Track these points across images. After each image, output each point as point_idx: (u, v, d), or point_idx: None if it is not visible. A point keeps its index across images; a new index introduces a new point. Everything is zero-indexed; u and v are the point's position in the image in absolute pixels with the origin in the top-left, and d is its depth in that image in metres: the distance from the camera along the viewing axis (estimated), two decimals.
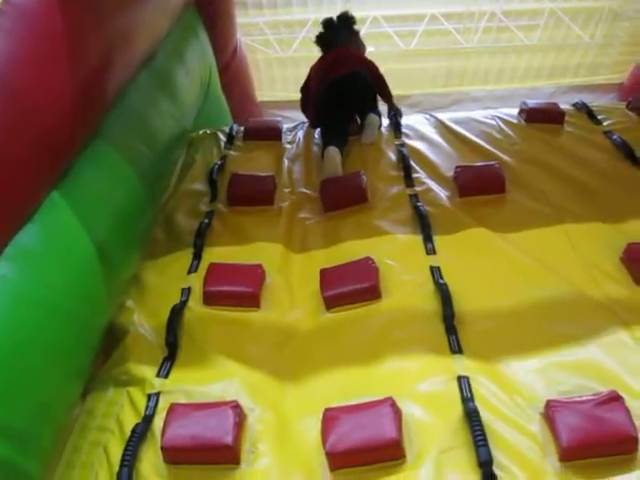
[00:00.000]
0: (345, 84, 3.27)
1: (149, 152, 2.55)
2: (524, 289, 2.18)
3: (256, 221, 2.65)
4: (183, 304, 2.21)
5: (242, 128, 3.42)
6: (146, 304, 2.28)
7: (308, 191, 2.87)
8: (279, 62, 7.05)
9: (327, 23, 3.66)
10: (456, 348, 1.96)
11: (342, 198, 2.72)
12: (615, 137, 3.01)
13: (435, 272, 2.26)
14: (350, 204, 2.70)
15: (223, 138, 3.36)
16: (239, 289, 2.21)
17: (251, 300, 2.19)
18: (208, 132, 3.49)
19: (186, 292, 2.27)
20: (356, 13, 7.18)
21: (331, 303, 2.17)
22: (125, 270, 2.26)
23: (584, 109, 3.37)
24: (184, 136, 3.28)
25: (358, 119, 3.31)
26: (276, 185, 2.85)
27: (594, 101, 3.70)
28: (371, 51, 7.25)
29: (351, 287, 2.17)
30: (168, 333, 2.09)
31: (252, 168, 3.01)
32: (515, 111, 3.40)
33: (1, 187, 1.59)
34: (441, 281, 2.19)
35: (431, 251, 2.38)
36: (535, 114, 3.27)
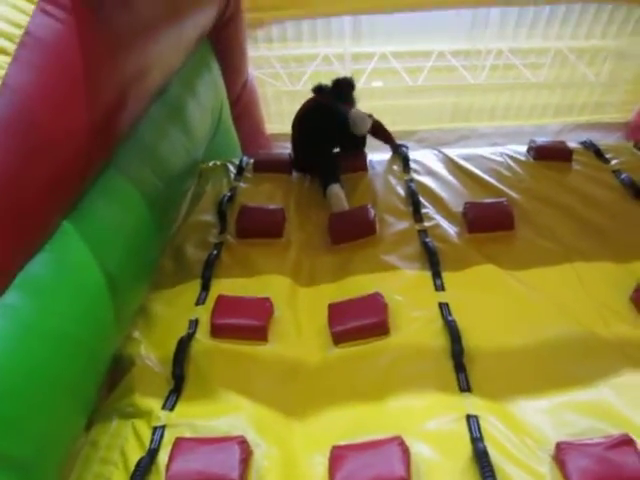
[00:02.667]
0: (308, 118, 3.36)
1: (160, 183, 2.57)
2: (533, 328, 2.17)
3: (265, 253, 2.65)
4: (190, 336, 2.20)
5: (252, 160, 3.44)
6: (153, 335, 2.27)
7: (316, 224, 2.88)
8: (288, 95, 7.11)
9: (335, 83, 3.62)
10: (465, 386, 1.95)
11: (350, 231, 2.74)
12: (623, 176, 3.03)
13: (444, 309, 2.25)
14: (358, 237, 2.71)
15: (233, 170, 3.39)
16: (247, 322, 2.20)
17: (259, 333, 2.18)
18: (218, 164, 3.52)
19: (194, 324, 2.27)
20: (364, 49, 7.29)
21: (339, 338, 2.16)
22: (133, 300, 2.26)
23: (592, 148, 3.39)
24: (195, 167, 3.30)
25: (366, 155, 3.35)
26: (285, 218, 2.86)
27: (601, 139, 3.73)
28: (379, 86, 7.35)
29: (360, 322, 2.17)
30: (175, 365, 2.08)
31: (261, 200, 3.03)
32: (523, 148, 3.42)
33: (13, 217, 1.59)
34: (450, 318, 2.18)
35: (440, 287, 2.38)
36: (543, 152, 3.29)
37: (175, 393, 2.02)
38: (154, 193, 2.49)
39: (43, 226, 1.79)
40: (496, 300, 2.30)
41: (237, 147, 4.26)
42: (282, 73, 7.20)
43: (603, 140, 3.90)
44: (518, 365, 2.04)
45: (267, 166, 3.35)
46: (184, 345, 2.15)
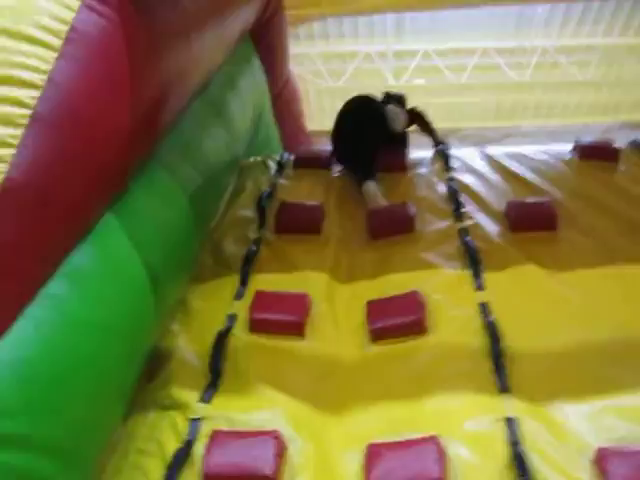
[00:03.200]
0: (350, 112, 3.38)
1: (201, 178, 2.59)
2: (575, 330, 2.13)
3: (303, 250, 2.65)
4: (228, 330, 2.21)
5: (292, 157, 3.45)
6: (191, 329, 2.29)
7: (355, 221, 2.87)
8: (329, 92, 7.10)
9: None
10: (504, 387, 1.91)
11: (389, 227, 2.72)
12: None
13: (484, 308, 2.22)
14: (397, 233, 2.69)
15: (273, 166, 3.40)
16: (285, 318, 2.21)
17: (296, 329, 2.19)
18: (259, 159, 3.53)
19: (232, 318, 2.28)
20: (408, 46, 7.24)
21: (377, 336, 2.15)
22: (173, 293, 2.28)
23: None
24: (236, 163, 3.33)
25: (407, 153, 3.33)
26: (324, 214, 2.86)
27: None
28: (421, 84, 7.29)
29: (398, 320, 2.15)
30: (212, 359, 2.09)
31: (301, 196, 3.03)
32: (568, 147, 3.35)
33: (59, 208, 1.62)
34: (490, 318, 2.15)
35: (480, 287, 2.35)
36: (589, 151, 3.22)
37: (212, 387, 2.03)
38: (195, 188, 2.51)
39: (87, 218, 1.82)
40: (537, 301, 2.26)
41: (278, 143, 4.28)
42: (323, 70, 7.20)
43: None
44: (559, 368, 2.00)
45: (307, 162, 3.35)
46: (222, 340, 2.17)
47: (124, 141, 1.94)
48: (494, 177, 3.10)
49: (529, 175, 3.08)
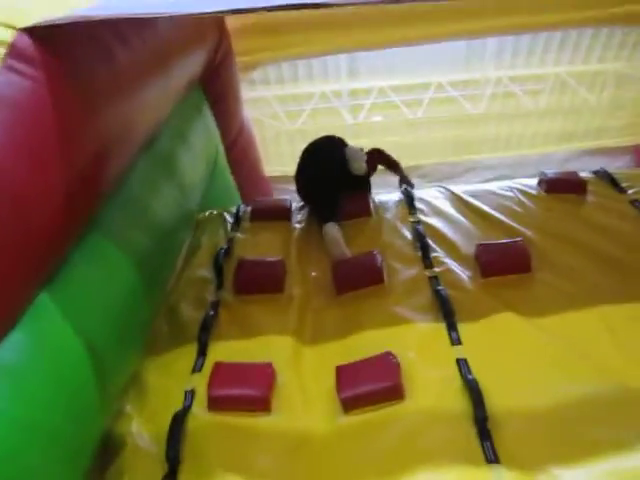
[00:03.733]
0: (313, 152, 3.32)
1: (150, 242, 2.40)
2: (561, 384, 1.96)
3: (265, 311, 2.47)
4: (186, 410, 2.00)
5: (249, 208, 3.28)
6: (146, 409, 2.08)
7: (319, 275, 2.70)
8: (287, 135, 7.01)
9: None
10: (492, 457, 1.74)
11: (356, 279, 2.55)
12: None
13: (462, 366, 2.06)
14: (365, 285, 2.53)
15: (230, 219, 3.23)
16: (248, 393, 2.01)
17: (261, 404, 1.99)
18: (215, 213, 3.36)
19: (189, 395, 2.07)
20: (362, 84, 7.22)
21: (349, 405, 1.96)
22: (122, 373, 2.07)
23: (606, 177, 3.22)
24: (189, 219, 3.14)
25: (370, 199, 3.20)
26: (286, 270, 2.68)
27: (608, 165, 3.54)
28: (378, 121, 7.25)
29: (371, 387, 1.97)
30: (169, 447, 1.88)
31: (260, 252, 2.85)
32: (533, 181, 3.26)
33: None
34: (470, 376, 1.99)
35: (456, 341, 2.19)
36: (556, 184, 3.12)
37: (170, 477, 1.82)
38: (143, 253, 2.32)
39: (15, 300, 1.62)
40: (518, 352, 2.11)
41: (235, 193, 4.11)
42: (280, 112, 7.13)
43: (611, 165, 3.74)
44: (548, 429, 1.83)
45: (264, 214, 3.18)
46: (179, 422, 1.95)
47: (58, 205, 1.76)
48: (461, 218, 2.98)
49: (496, 214, 2.96)
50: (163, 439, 1.92)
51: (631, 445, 1.73)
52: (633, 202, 2.95)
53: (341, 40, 4.88)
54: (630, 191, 3.06)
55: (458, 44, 6.74)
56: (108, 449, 1.98)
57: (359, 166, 3.22)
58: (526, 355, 2.10)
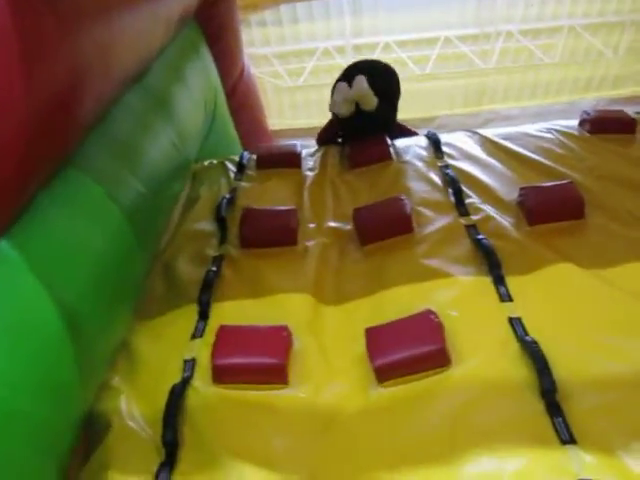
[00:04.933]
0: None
1: (141, 186, 2.04)
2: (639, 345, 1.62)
3: (276, 266, 2.11)
4: (185, 383, 1.65)
5: (254, 156, 2.91)
6: (138, 383, 1.73)
7: (338, 224, 2.34)
8: (289, 91, 6.74)
9: None
10: (567, 436, 1.39)
11: (382, 228, 2.19)
12: None
13: (517, 326, 1.70)
14: (392, 235, 2.18)
15: (233, 168, 2.86)
16: (260, 361, 1.65)
17: (276, 374, 1.63)
18: (215, 162, 2.99)
19: (190, 365, 1.72)
20: (367, 39, 6.91)
21: (384, 375, 1.60)
22: (107, 339, 1.71)
23: None
24: (186, 167, 2.78)
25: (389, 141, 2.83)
26: (298, 220, 2.32)
27: None
28: None
29: (410, 352, 1.61)
30: (165, 427, 1.53)
31: (268, 201, 2.49)
32: (573, 122, 2.88)
33: None
34: (528, 338, 1.64)
35: (506, 297, 1.83)
36: (601, 124, 2.74)
37: (167, 467, 1.46)
38: (133, 198, 1.95)
39: None
40: (582, 311, 1.75)
41: (237, 144, 3.73)
42: (281, 70, 6.87)
43: None
44: (629, 402, 1.49)
45: (273, 160, 2.81)
46: (177, 397, 1.60)
47: (21, 138, 1.39)
48: (496, 162, 2.60)
49: (537, 157, 2.59)
50: (158, 418, 1.57)
51: None
52: None
53: None
54: None
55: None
56: (91, 432, 1.64)
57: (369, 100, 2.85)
58: (592, 314, 1.74)
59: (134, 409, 1.64)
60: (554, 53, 6.74)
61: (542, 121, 4.63)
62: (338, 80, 2.99)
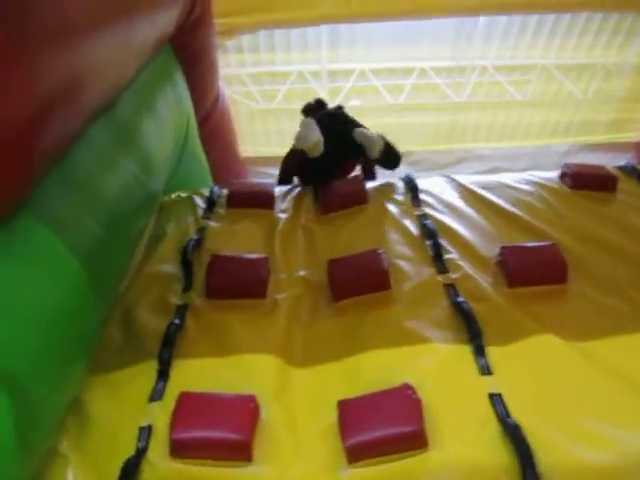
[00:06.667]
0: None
1: (99, 228, 1.89)
2: (625, 434, 1.53)
3: (244, 321, 1.98)
4: (140, 456, 1.51)
5: (225, 191, 2.78)
6: (88, 450, 1.58)
7: (311, 274, 2.23)
8: (262, 114, 6.64)
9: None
10: None
11: (357, 283, 2.09)
12: None
13: (497, 404, 1.61)
14: (368, 291, 2.07)
15: (201, 204, 2.72)
16: (223, 435, 1.52)
17: (240, 451, 1.50)
18: (183, 196, 2.86)
19: (145, 434, 1.58)
20: (342, 65, 6.88)
21: (355, 455, 1.49)
22: (56, 404, 1.56)
23: (634, 173, 2.81)
24: (152, 200, 2.63)
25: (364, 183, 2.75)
26: (269, 270, 2.20)
27: (612, 162, 3.14)
28: (358, 105, 6.89)
29: (385, 432, 1.50)
30: None
31: (238, 246, 2.36)
32: (553, 174, 2.83)
33: None
34: (510, 422, 1.54)
35: (486, 370, 1.74)
36: (583, 180, 2.69)
37: None
38: (90, 244, 1.80)
39: None
40: (566, 390, 1.66)
41: (207, 174, 3.60)
42: (254, 92, 6.79)
43: (616, 162, 3.35)
44: None
45: (245, 200, 2.68)
46: (131, 471, 1.47)
47: None
48: (474, 214, 2.53)
49: (516, 211, 2.52)
50: None
51: None
52: None
53: (323, 7, 4.46)
54: None
55: (445, 30, 6.46)
56: None
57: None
58: (575, 395, 1.65)
59: None
60: (525, 90, 6.80)
61: (514, 162, 4.63)
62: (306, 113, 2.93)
